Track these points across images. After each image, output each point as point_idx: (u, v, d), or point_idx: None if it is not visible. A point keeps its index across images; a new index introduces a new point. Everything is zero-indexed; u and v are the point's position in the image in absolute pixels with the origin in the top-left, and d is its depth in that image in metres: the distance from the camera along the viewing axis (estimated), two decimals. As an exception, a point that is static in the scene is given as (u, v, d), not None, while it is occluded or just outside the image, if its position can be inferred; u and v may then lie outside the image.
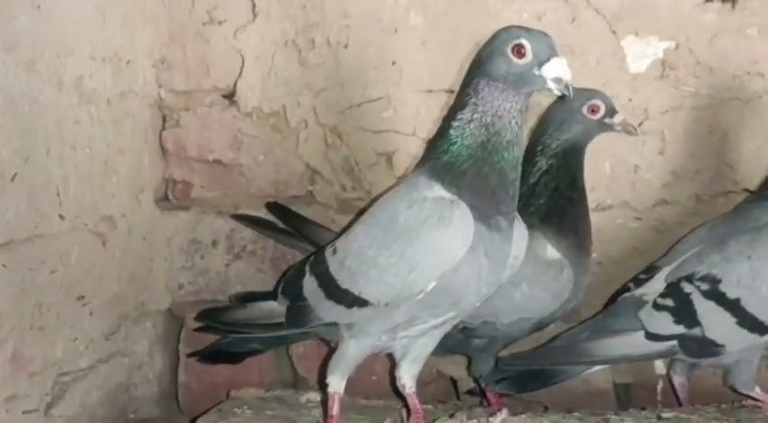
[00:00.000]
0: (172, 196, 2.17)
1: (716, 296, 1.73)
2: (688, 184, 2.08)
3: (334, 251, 1.60)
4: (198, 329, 1.92)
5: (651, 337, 1.76)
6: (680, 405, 1.89)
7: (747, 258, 1.73)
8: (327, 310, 1.58)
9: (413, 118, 2.10)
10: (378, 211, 1.55)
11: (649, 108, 2.08)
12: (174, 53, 2.11)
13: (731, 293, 1.72)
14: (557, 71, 1.40)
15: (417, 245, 1.44)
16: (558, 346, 1.82)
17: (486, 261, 1.45)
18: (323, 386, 1.78)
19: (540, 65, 1.41)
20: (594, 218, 2.04)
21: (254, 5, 2.09)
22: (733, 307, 1.72)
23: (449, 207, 1.42)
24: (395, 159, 2.11)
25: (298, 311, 1.65)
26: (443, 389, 2.12)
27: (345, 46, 2.09)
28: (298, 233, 2.04)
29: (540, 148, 1.84)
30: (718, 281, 1.74)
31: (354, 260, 1.53)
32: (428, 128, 2.09)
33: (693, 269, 1.79)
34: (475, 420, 1.67)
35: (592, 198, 2.05)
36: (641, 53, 2.07)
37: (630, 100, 2.07)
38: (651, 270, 1.88)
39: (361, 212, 1.69)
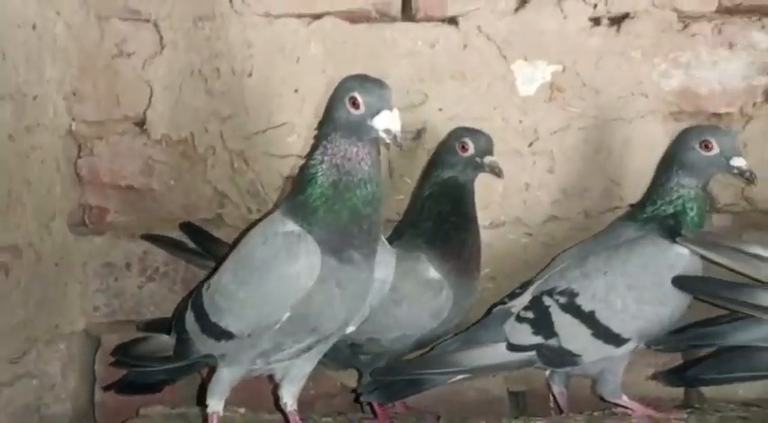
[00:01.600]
0: (88, 221, 2.24)
1: (572, 309, 1.81)
2: (577, 200, 2.16)
3: (208, 287, 1.69)
4: (112, 364, 1.99)
5: (512, 347, 1.84)
6: (561, 412, 1.97)
7: (603, 274, 1.82)
8: (203, 343, 1.68)
9: (316, 143, 2.20)
10: (241, 247, 1.64)
11: (539, 129, 2.15)
12: (85, 85, 2.16)
13: (587, 306, 1.80)
14: (386, 123, 1.47)
15: (270, 278, 1.53)
16: (426, 356, 1.89)
17: (339, 291, 1.54)
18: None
19: (372, 116, 1.49)
20: (488, 234, 2.13)
21: (161, 38, 2.15)
22: (588, 319, 1.80)
23: (296, 241, 1.51)
24: (298, 182, 2.20)
25: (182, 344, 1.74)
26: (348, 401, 2.18)
27: (249, 75, 2.16)
28: (208, 253, 2.11)
29: (427, 176, 1.94)
30: (576, 294, 1.82)
31: (221, 295, 1.63)
32: (329, 152, 2.18)
33: (555, 284, 1.88)
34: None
35: (485, 215, 2.15)
36: (530, 77, 2.15)
37: (521, 122, 2.15)
38: (526, 285, 1.96)
39: (235, 244, 1.76)
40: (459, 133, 1.94)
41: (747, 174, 1.79)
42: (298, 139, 2.16)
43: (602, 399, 1.89)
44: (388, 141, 1.48)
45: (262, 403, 2.04)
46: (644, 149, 2.10)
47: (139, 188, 2.19)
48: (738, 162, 1.79)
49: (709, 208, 2.16)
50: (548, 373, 1.98)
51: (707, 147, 1.82)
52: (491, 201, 2.15)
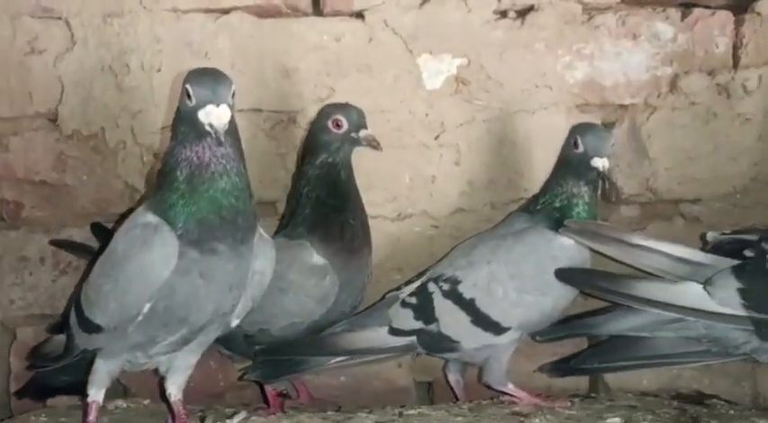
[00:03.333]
0: (6, 216, 2.25)
1: (454, 296, 1.81)
2: (483, 192, 2.13)
3: (87, 282, 1.67)
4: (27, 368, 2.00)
5: (393, 331, 1.84)
6: (456, 400, 1.96)
7: (487, 263, 1.81)
8: (81, 339, 1.67)
9: (224, 136, 2.19)
10: (110, 242, 1.63)
11: (445, 122, 2.13)
12: (-1, 83, 2.21)
13: (467, 294, 1.80)
14: (209, 117, 1.46)
15: (128, 269, 1.53)
16: (308, 338, 1.87)
17: (203, 282, 1.52)
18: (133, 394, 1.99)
19: (199, 110, 1.47)
20: (395, 227, 2.13)
21: (72, 35, 2.14)
22: (468, 306, 1.79)
23: (152, 232, 1.51)
24: (207, 175, 2.20)
25: (69, 341, 1.73)
26: (258, 393, 2.16)
27: (159, 70, 2.14)
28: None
29: (303, 161, 1.92)
30: (458, 282, 1.82)
31: (90, 289, 1.63)
32: (238, 145, 2.18)
33: (443, 271, 1.87)
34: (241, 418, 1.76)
35: (393, 208, 2.14)
36: (436, 70, 2.13)
37: (427, 115, 2.13)
38: (422, 273, 1.94)
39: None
40: (329, 111, 1.91)
41: (602, 175, 1.77)
42: (207, 134, 2.18)
43: (488, 387, 1.87)
44: (210, 130, 1.46)
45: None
46: (548, 141, 2.07)
47: (53, 183, 2.17)
48: (596, 162, 1.77)
49: (616, 199, 2.18)
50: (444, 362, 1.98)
51: (575, 145, 1.81)
52: (398, 193, 2.13)
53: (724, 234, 1.81)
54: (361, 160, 2.11)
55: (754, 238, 1.65)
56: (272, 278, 1.70)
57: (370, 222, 2.09)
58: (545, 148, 2.08)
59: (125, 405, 1.97)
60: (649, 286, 1.65)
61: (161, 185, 1.54)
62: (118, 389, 2.16)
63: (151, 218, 1.52)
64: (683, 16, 2.10)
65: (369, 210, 2.10)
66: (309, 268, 1.83)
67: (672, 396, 1.90)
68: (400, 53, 2.13)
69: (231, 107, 1.51)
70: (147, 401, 2.01)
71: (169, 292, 1.51)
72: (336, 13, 2.15)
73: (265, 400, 1.95)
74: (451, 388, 1.98)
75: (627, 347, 1.78)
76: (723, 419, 1.66)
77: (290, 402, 2.01)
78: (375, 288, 2.05)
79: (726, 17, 2.10)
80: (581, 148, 1.79)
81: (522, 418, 1.61)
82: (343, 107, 1.91)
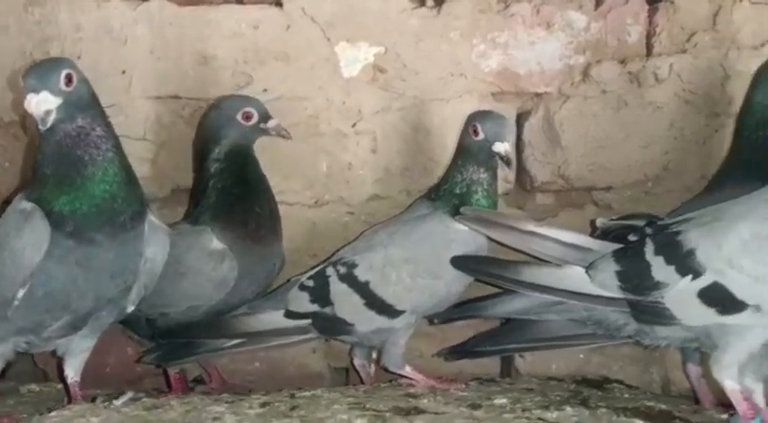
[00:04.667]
0: (-66, 204, 2.28)
1: (349, 279, 1.81)
2: (398, 179, 2.13)
3: None
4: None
5: (289, 314, 1.84)
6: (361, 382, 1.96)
7: (384, 247, 1.82)
8: None
9: (143, 123, 2.13)
10: None
11: (362, 110, 2.13)
12: None
13: (363, 277, 1.80)
14: (29, 106, 1.46)
15: (3, 255, 1.54)
16: (205, 320, 1.87)
17: (81, 270, 1.54)
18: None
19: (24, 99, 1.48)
20: (311, 213, 2.14)
21: (-7, 23, 2.19)
22: (362, 289, 1.80)
23: (24, 218, 1.52)
24: (126, 162, 2.21)
25: None
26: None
27: (79, 57, 2.11)
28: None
29: (206, 154, 1.91)
30: (355, 265, 1.82)
31: None
32: (157, 132, 2.16)
33: (342, 255, 1.88)
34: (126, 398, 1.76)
35: (310, 195, 2.14)
36: (353, 58, 2.13)
37: (344, 103, 2.12)
38: (328, 258, 1.94)
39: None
40: (238, 103, 1.92)
41: (505, 159, 1.77)
42: (126, 120, 2.12)
43: (386, 370, 1.87)
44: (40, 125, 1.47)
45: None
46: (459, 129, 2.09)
47: (-24, 170, 2.22)
48: (498, 147, 1.77)
49: (530, 186, 2.18)
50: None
51: (475, 132, 1.81)
52: (315, 180, 2.13)
53: (612, 220, 1.82)
54: (278, 148, 2.13)
55: (640, 223, 1.66)
56: (172, 262, 1.71)
57: (288, 210, 2.12)
58: (457, 135, 2.10)
59: (38, 389, 1.97)
60: (535, 271, 1.65)
61: (35, 174, 1.55)
62: (38, 373, 2.19)
63: (26, 205, 1.53)
64: (597, 5, 2.09)
65: (287, 197, 2.13)
66: (208, 253, 1.83)
67: (576, 380, 1.91)
68: (318, 41, 2.12)
69: (66, 93, 1.50)
70: (60, 385, 2.02)
71: (46, 279, 1.52)
72: (256, 1, 2.15)
73: (168, 384, 1.96)
74: (357, 372, 1.98)
75: (519, 330, 1.79)
76: (612, 401, 1.65)
77: (202, 387, 2.02)
78: (292, 274, 2.04)
79: (639, 6, 2.09)
80: (481, 135, 1.79)
81: (411, 399, 1.61)
82: (252, 100, 1.93)
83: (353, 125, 2.13)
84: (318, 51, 2.12)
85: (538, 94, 2.13)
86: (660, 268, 1.50)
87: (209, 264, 1.83)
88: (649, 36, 2.10)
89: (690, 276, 1.47)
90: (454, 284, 1.78)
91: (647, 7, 2.10)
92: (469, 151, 1.82)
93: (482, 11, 2.10)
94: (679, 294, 1.48)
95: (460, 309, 1.82)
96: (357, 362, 1.95)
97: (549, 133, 2.12)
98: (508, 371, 2.12)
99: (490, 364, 2.12)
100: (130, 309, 1.69)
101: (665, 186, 2.09)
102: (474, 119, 1.82)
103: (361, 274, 1.80)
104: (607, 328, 1.63)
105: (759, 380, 1.51)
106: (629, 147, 2.08)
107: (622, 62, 2.08)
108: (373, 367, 2.00)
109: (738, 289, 1.43)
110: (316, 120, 2.13)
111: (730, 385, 1.46)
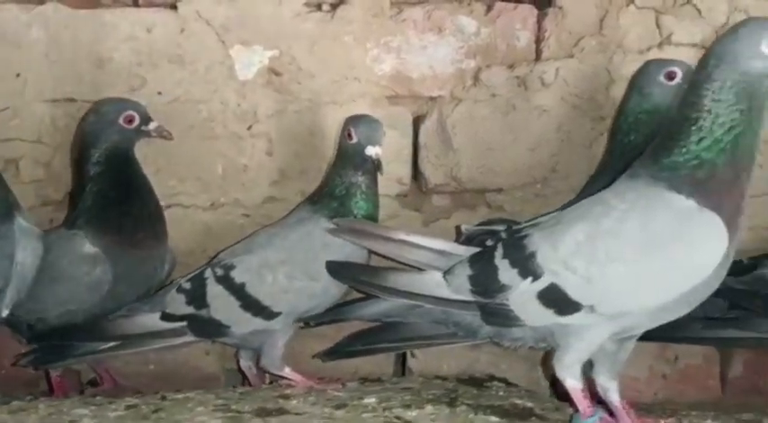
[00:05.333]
0: None
1: (226, 281, 1.82)
2: (294, 182, 2.14)
3: None
4: None
5: (165, 317, 1.85)
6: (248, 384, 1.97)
7: (262, 249, 1.84)
8: None
9: (38, 126, 2.12)
10: None
11: (258, 112, 2.13)
12: None
13: (239, 279, 1.81)
14: None
15: None
16: (81, 323, 1.86)
17: None
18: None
19: None
20: (207, 215, 2.14)
21: None
22: (238, 291, 1.81)
23: None
24: (21, 165, 2.12)
25: None
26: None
27: (-28, 61, 2.17)
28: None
29: (85, 158, 1.91)
30: (232, 267, 1.83)
31: None
32: (52, 135, 2.14)
33: (222, 257, 1.89)
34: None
35: (206, 197, 2.14)
36: (248, 61, 2.13)
37: (240, 105, 2.13)
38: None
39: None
40: (119, 106, 1.92)
41: (376, 162, 1.80)
42: (21, 123, 2.12)
43: (265, 371, 1.90)
44: None
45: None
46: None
47: None
48: (369, 151, 1.80)
49: (425, 188, 2.21)
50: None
51: (349, 136, 1.83)
52: (211, 183, 2.13)
53: (476, 225, 1.85)
54: (174, 151, 2.13)
55: (500, 228, 1.69)
56: (46, 267, 1.71)
57: (184, 212, 2.13)
58: (354, 138, 2.12)
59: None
60: (398, 277, 1.67)
61: None
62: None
63: None
64: (487, 11, 2.12)
65: (182, 200, 2.14)
66: (80, 257, 1.84)
67: (461, 379, 1.94)
68: (213, 44, 2.12)
69: None
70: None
71: None
72: (151, 4, 2.15)
73: (50, 387, 1.96)
74: (243, 374, 2.00)
75: (390, 330, 1.80)
76: (480, 399, 1.67)
77: (93, 390, 2.02)
78: (186, 277, 2.07)
79: (528, 11, 2.13)
80: (355, 139, 1.82)
81: (281, 400, 1.63)
82: (132, 103, 1.94)
83: (249, 128, 2.14)
84: (213, 54, 2.12)
85: (432, 98, 2.16)
86: (506, 271, 1.53)
87: (82, 268, 1.83)
88: (539, 41, 2.13)
89: (530, 278, 1.50)
90: (332, 286, 1.79)
91: (536, 12, 2.14)
92: (346, 155, 1.84)
93: (375, 15, 2.12)
94: (521, 296, 1.51)
95: (332, 312, 1.83)
96: (243, 364, 1.96)
97: (442, 136, 2.15)
98: (402, 370, 2.16)
99: (385, 364, 2.16)
100: (5, 313, 1.68)
101: (553, 188, 2.12)
102: (349, 123, 1.84)
103: (237, 276, 1.81)
104: (466, 330, 1.66)
105: (613, 378, 1.55)
106: (517, 149, 2.11)
107: (511, 67, 2.11)
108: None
109: (573, 290, 1.46)
110: (211, 122, 2.13)
111: (571, 384, 1.49)
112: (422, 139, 2.16)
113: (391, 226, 1.96)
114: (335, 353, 1.90)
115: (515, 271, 1.52)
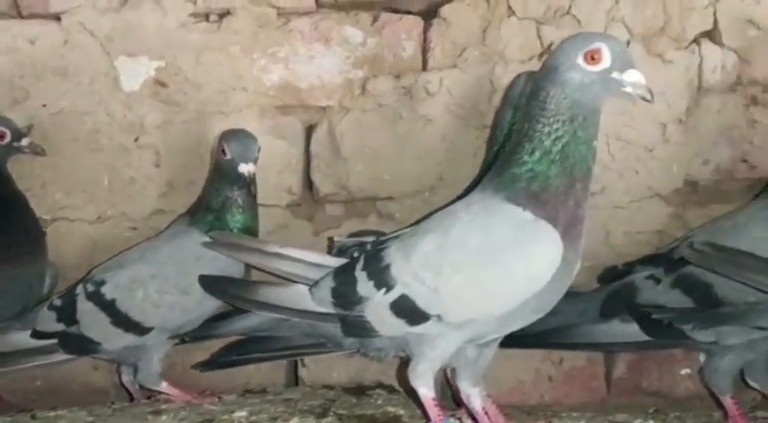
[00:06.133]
0: None
1: (96, 297, 1.81)
2: (182, 193, 2.11)
3: None
4: None
5: (36, 334, 1.82)
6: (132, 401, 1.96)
7: (133, 264, 1.83)
8: None
9: None
10: None
11: (144, 123, 2.11)
12: None
13: (109, 295, 1.80)
14: None
15: None
16: None
17: None
18: None
19: None
20: (93, 229, 2.12)
21: None
22: (109, 307, 1.79)
23: None
24: None
25: None
26: None
27: None
28: None
29: None
30: (103, 283, 1.82)
31: None
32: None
33: (95, 273, 1.87)
34: None
35: (93, 210, 2.12)
36: (134, 72, 2.11)
37: (126, 117, 2.10)
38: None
39: None
40: None
41: (248, 180, 1.80)
42: None
43: (142, 387, 1.88)
44: None
45: None
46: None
47: None
48: (242, 168, 1.80)
49: (317, 198, 2.21)
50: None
51: (223, 152, 1.83)
52: (97, 195, 2.11)
53: (348, 237, 1.86)
54: (59, 163, 2.10)
55: (370, 239, 1.71)
56: None
57: (70, 226, 2.11)
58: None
59: None
60: (267, 290, 1.67)
61: None
62: None
63: None
64: (373, 21, 2.14)
65: (68, 213, 2.11)
66: None
67: (347, 388, 1.95)
68: (98, 55, 2.09)
69: None
70: None
71: None
72: (34, 16, 2.11)
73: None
74: (126, 389, 1.98)
75: (264, 341, 1.81)
76: (355, 408, 1.69)
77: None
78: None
79: (413, 22, 2.14)
80: (228, 155, 1.82)
81: (150, 417, 1.62)
82: (2, 119, 1.92)
83: (135, 139, 2.11)
84: (98, 66, 2.10)
85: (322, 108, 2.16)
86: (364, 283, 1.54)
87: None
88: (425, 51, 2.16)
89: (384, 290, 1.52)
90: (207, 300, 1.78)
91: (421, 23, 2.15)
92: (221, 170, 1.84)
93: (262, 26, 2.11)
94: (375, 308, 1.52)
95: (205, 327, 1.82)
96: (125, 378, 1.94)
97: (331, 145, 2.16)
98: (294, 380, 2.16)
99: (276, 374, 2.16)
100: None
101: (441, 196, 2.12)
102: (222, 139, 1.84)
103: (108, 291, 1.79)
104: (333, 342, 1.67)
105: (475, 384, 1.58)
106: (405, 158, 2.12)
107: (398, 77, 2.12)
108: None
109: (421, 300, 1.48)
110: (96, 134, 2.10)
111: (423, 392, 1.51)
112: (313, 148, 2.16)
113: (267, 239, 1.93)
114: (212, 363, 1.89)
115: (372, 283, 1.53)
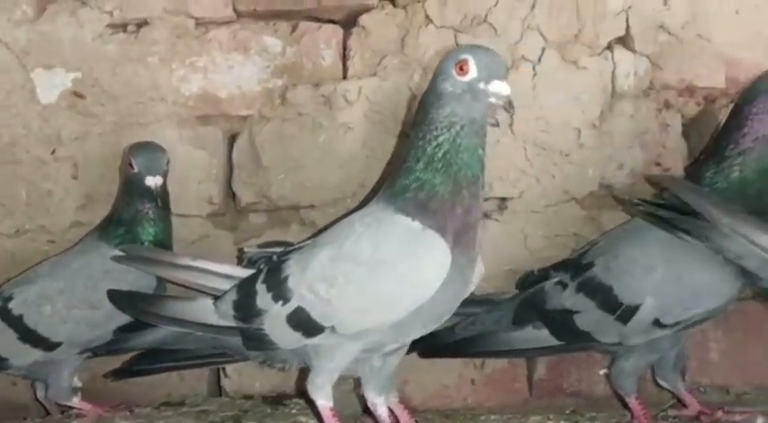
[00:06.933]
0: None
1: (3, 313, 1.80)
2: (101, 205, 2.07)
3: None
4: None
5: None
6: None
7: (42, 279, 1.82)
8: None
9: None
10: None
11: (61, 136, 2.09)
12: None
13: (17, 310, 1.80)
14: None
15: None
16: None
17: None
18: None
19: None
20: (11, 243, 2.09)
21: None
22: (16, 323, 1.78)
23: None
24: None
25: None
26: None
27: None
28: None
29: None
30: (11, 298, 1.82)
31: None
32: None
33: (5, 288, 1.86)
34: None
35: (10, 224, 2.10)
36: (50, 84, 2.09)
37: (42, 129, 2.09)
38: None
39: None
40: None
41: (155, 193, 1.81)
42: None
43: (55, 403, 1.87)
44: None
45: None
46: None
47: None
48: (149, 182, 1.82)
49: (239, 207, 2.21)
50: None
51: (131, 166, 1.84)
52: (15, 209, 2.09)
53: (257, 248, 1.84)
54: (-25, 177, 2.09)
55: (278, 250, 1.70)
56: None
57: (-16, 240, 2.08)
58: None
59: None
60: (173, 304, 1.67)
61: None
62: None
63: None
64: (292, 30, 2.15)
65: (-16, 227, 2.09)
66: None
67: (267, 397, 1.95)
68: (14, 68, 2.08)
69: None
70: None
71: None
72: (-50, 30, 2.10)
73: None
74: (41, 404, 1.96)
75: (172, 351, 1.80)
76: (264, 419, 1.70)
77: None
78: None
79: (332, 31, 2.14)
80: (135, 169, 1.82)
81: (60, 429, 1.62)
82: None
83: (53, 152, 2.09)
84: (14, 78, 2.08)
85: (243, 117, 2.16)
86: (263, 296, 1.55)
87: None
88: (345, 60, 2.17)
89: (281, 302, 1.52)
90: (117, 314, 1.76)
91: (341, 32, 2.16)
92: (130, 183, 1.84)
93: (179, 36, 2.10)
94: (273, 320, 1.53)
95: (113, 341, 1.81)
96: (39, 394, 1.92)
97: (252, 155, 2.15)
98: (218, 391, 2.14)
99: (199, 385, 2.14)
100: None
101: (363, 203, 2.15)
102: (129, 152, 1.84)
103: (15, 307, 1.78)
104: (239, 354, 1.67)
105: (380, 393, 1.59)
106: (325, 166, 2.12)
107: (317, 85, 2.13)
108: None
109: (315, 312, 1.49)
110: (13, 147, 2.08)
111: (321, 404, 1.52)
112: (235, 158, 2.16)
113: (179, 252, 1.91)
114: (122, 372, 1.87)
115: (270, 295, 1.53)
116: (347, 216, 1.60)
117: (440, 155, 1.43)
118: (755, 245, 1.56)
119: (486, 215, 2.12)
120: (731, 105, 1.97)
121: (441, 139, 1.44)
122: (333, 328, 1.48)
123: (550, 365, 2.15)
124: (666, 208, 1.74)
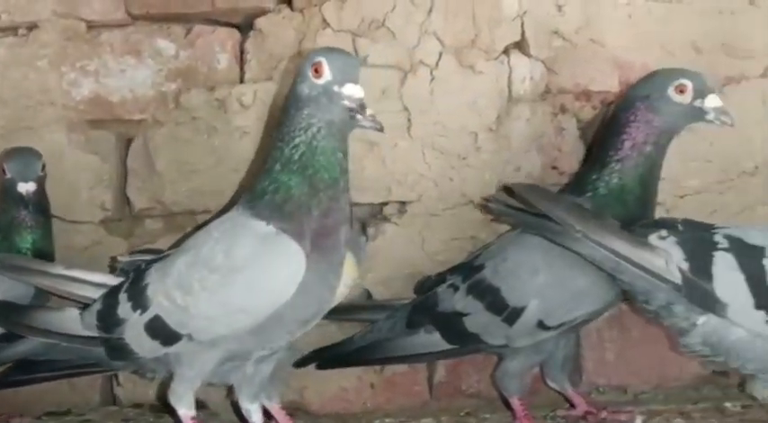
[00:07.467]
0: None
1: None
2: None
3: None
4: None
5: None
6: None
7: None
8: None
9: None
10: None
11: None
12: None
13: None
14: None
15: None
16: None
17: None
18: None
19: None
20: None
21: None
22: None
23: None
24: None
25: None
26: None
27: None
28: None
29: None
30: None
31: None
32: None
33: None
34: None
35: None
36: None
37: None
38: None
39: None
40: None
41: (27, 199, 1.77)
42: None
43: None
44: None
45: None
46: (53, 158, 2.00)
47: None
48: (21, 188, 1.78)
49: (133, 213, 2.17)
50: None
51: (4, 172, 1.80)
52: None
53: (130, 256, 1.81)
54: None
55: (151, 257, 1.68)
56: None
57: None
58: (50, 165, 2.03)
59: None
60: (41, 315, 1.64)
61: None
62: None
63: None
64: (186, 33, 2.12)
65: None
66: None
67: (155, 406, 1.93)
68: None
69: None
70: None
71: None
72: None
73: None
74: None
75: (47, 361, 1.75)
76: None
77: None
78: None
79: (227, 34, 2.12)
80: (8, 174, 1.79)
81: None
82: None
83: None
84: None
85: (138, 121, 2.13)
86: (124, 305, 1.53)
87: None
88: (242, 63, 2.15)
89: (140, 311, 1.51)
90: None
91: (237, 35, 2.14)
92: (4, 189, 1.80)
93: (69, 39, 2.07)
94: (132, 329, 1.51)
95: None
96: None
97: (146, 160, 2.12)
98: (111, 399, 2.11)
99: (91, 393, 2.10)
100: None
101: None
102: (2, 158, 1.81)
103: None
104: (107, 364, 1.64)
105: (254, 400, 1.58)
106: (220, 171, 2.09)
107: (212, 89, 2.11)
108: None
109: (172, 320, 1.48)
110: None
111: (184, 413, 1.51)
112: (129, 162, 2.12)
113: (53, 262, 1.85)
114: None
115: (130, 304, 1.52)
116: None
117: (296, 157, 1.42)
118: (607, 249, 1.57)
119: (386, 219, 2.14)
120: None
121: (297, 140, 1.42)
122: (190, 336, 1.46)
123: (450, 368, 2.15)
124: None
